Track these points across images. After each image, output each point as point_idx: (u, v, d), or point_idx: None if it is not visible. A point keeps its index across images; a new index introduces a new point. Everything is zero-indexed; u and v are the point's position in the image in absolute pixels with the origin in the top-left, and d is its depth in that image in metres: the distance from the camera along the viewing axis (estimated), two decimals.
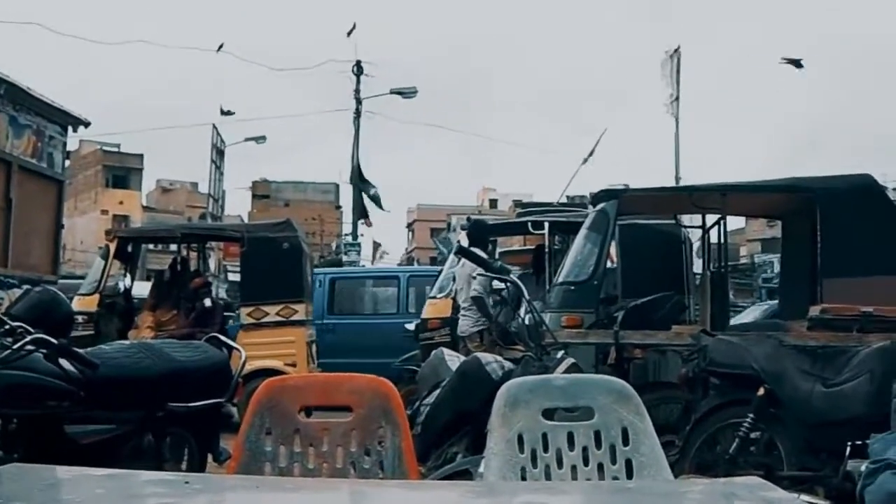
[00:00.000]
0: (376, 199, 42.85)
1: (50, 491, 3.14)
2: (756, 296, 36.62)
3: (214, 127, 42.02)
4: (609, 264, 12.49)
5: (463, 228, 18.40)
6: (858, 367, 7.93)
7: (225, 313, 16.94)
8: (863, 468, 5.04)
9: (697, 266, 14.88)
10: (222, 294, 32.32)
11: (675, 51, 35.61)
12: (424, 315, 16.95)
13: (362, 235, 49.52)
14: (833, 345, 9.23)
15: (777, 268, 21.16)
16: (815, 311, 10.33)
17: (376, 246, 62.25)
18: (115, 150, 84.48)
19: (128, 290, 16.89)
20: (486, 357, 7.86)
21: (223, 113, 43.85)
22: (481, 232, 16.13)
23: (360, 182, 42.43)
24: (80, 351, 6.79)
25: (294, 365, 15.11)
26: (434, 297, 17.15)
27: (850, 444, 7.07)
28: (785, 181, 12.17)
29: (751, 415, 8.29)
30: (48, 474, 3.37)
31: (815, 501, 6.50)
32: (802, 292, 11.75)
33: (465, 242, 15.39)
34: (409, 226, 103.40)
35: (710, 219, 13.35)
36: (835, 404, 7.86)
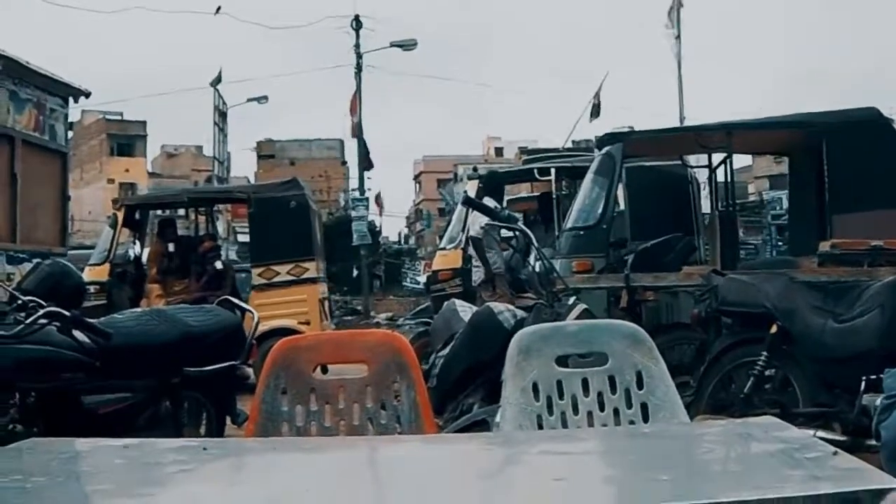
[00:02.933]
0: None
1: (69, 463, 3.15)
2: (766, 233, 36.53)
3: (216, 89, 42.01)
4: (617, 208, 12.47)
5: (470, 178, 18.42)
6: (870, 302, 7.90)
7: (237, 274, 16.97)
8: (878, 403, 5.04)
9: (706, 206, 14.85)
10: (233, 256, 32.35)
11: None
12: (435, 266, 16.96)
13: (369, 189, 49.53)
14: (844, 280, 9.23)
15: (786, 204, 21.11)
16: (824, 246, 10.32)
17: (377, 198, 62.13)
18: (118, 118, 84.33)
19: (138, 258, 16.92)
20: (498, 306, 7.87)
21: (213, 83, 43.61)
22: (493, 182, 16.11)
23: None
24: (93, 321, 6.81)
25: (307, 323, 15.15)
26: (444, 249, 17.15)
27: (864, 378, 7.06)
28: (790, 117, 12.12)
29: (764, 353, 8.29)
30: (67, 447, 3.38)
31: (831, 437, 6.51)
32: (812, 228, 11.74)
33: (471, 192, 15.37)
34: (416, 178, 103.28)
35: (717, 158, 13.30)
36: (848, 339, 7.84)
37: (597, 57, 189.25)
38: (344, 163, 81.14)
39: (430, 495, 2.62)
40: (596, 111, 33.11)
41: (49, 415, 6.52)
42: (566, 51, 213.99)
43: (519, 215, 15.67)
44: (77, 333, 6.62)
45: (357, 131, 42.74)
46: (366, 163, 43.73)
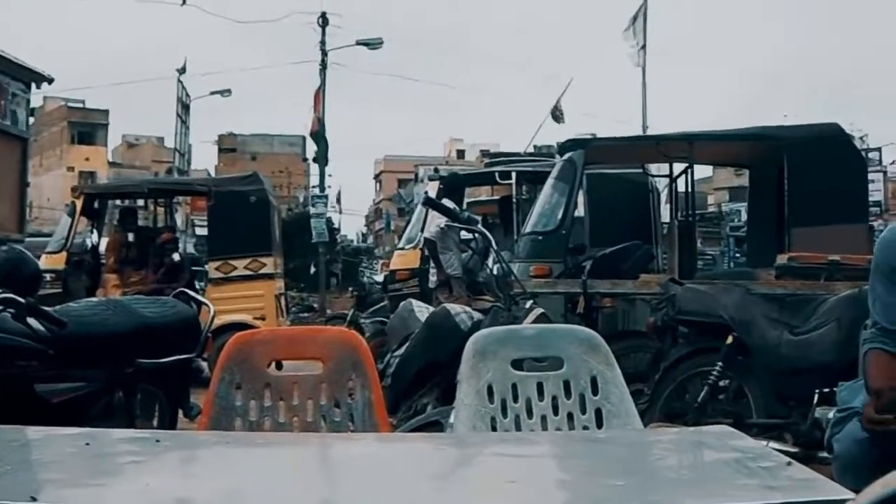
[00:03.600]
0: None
1: (21, 451, 3.13)
2: (724, 244, 36.77)
3: (179, 81, 41.82)
4: (576, 213, 12.50)
5: (431, 179, 18.40)
6: (826, 315, 7.94)
7: (193, 268, 16.91)
8: (830, 416, 5.06)
9: (665, 215, 14.91)
10: (190, 249, 32.25)
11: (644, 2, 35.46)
12: (393, 266, 16.99)
13: (329, 187, 49.47)
14: (801, 293, 9.27)
15: (745, 216, 21.24)
16: (782, 259, 10.38)
17: (336, 196, 62.12)
18: (80, 105, 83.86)
19: (95, 247, 16.85)
20: (454, 308, 7.88)
21: (179, 71, 43.49)
22: (453, 183, 16.12)
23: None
24: (49, 309, 6.75)
25: (263, 318, 15.12)
26: (402, 248, 17.16)
27: (818, 391, 7.11)
28: (752, 130, 12.19)
29: (719, 363, 8.31)
30: (18, 435, 3.35)
31: (783, 448, 6.54)
32: (770, 241, 11.81)
33: (432, 193, 15.38)
34: (377, 177, 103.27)
35: (678, 168, 13.36)
36: (803, 352, 7.88)
37: (561, 61, 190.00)
38: (305, 159, 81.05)
39: (383, 493, 2.62)
40: (559, 117, 33.16)
41: (1, 402, 6.47)
42: (532, 55, 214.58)
43: (479, 218, 15.70)
44: (32, 321, 6.56)
45: (319, 128, 42.68)
46: (325, 160, 43.68)
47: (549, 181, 11.97)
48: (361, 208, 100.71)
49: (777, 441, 7.36)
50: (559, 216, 11.44)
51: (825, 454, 5.83)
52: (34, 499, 2.35)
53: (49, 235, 18.52)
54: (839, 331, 7.66)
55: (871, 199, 11.75)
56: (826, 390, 6.78)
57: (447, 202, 12.30)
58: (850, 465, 4.29)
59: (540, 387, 4.25)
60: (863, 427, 4.21)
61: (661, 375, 8.64)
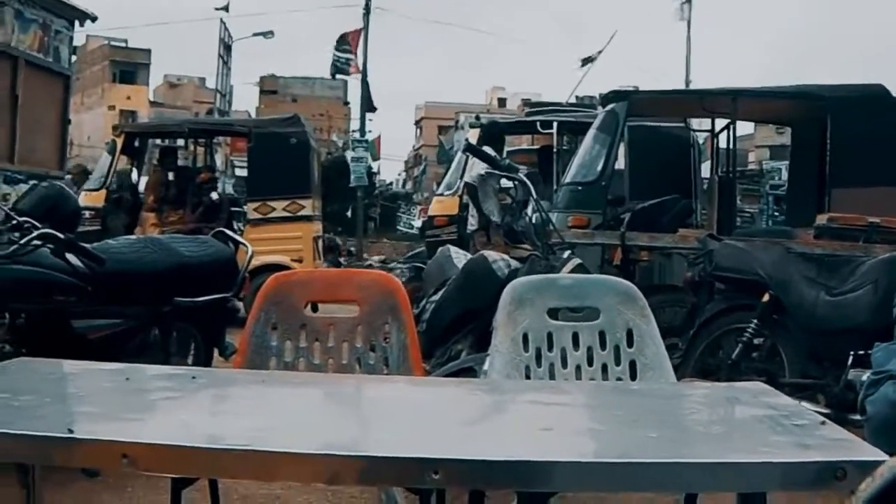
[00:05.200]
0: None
1: (58, 384, 3.16)
2: (763, 202, 36.54)
3: (222, 21, 41.90)
4: (617, 165, 12.45)
5: (472, 126, 18.34)
6: (863, 277, 7.89)
7: (232, 208, 16.95)
8: (864, 378, 5.04)
9: (706, 170, 14.84)
10: (230, 189, 32.30)
11: None
12: (431, 212, 16.96)
13: (370, 132, 49.47)
14: (839, 254, 9.20)
15: (785, 175, 21.10)
16: (822, 219, 10.29)
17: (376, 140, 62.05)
18: (123, 45, 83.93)
19: (135, 186, 16.90)
20: (492, 255, 7.85)
21: (222, 10, 43.58)
22: (494, 131, 16.07)
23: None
24: (87, 246, 6.79)
25: (300, 260, 15.16)
26: (441, 195, 17.14)
27: (852, 353, 7.07)
28: (796, 88, 12.09)
29: (755, 321, 8.28)
30: (56, 368, 3.39)
31: (816, 409, 6.52)
32: (810, 200, 11.72)
33: (473, 140, 15.33)
34: (417, 123, 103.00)
35: (720, 123, 13.26)
36: (839, 313, 7.83)
37: (606, 14, 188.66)
38: (346, 103, 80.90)
39: (415, 436, 2.63)
40: (590, 60, 33.15)
41: (39, 337, 6.52)
42: (577, 7, 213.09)
43: (524, 167, 15.67)
44: (70, 257, 6.60)
45: (362, 73, 42.67)
46: (368, 104, 43.68)
47: (591, 132, 11.92)
48: (402, 154, 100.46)
49: (809, 402, 7.34)
50: (599, 167, 11.39)
51: (857, 416, 5.83)
52: (71, 431, 2.37)
53: (89, 173, 18.57)
54: (876, 293, 7.61)
55: None
56: (860, 353, 6.76)
57: (487, 149, 12.29)
58: (884, 427, 4.29)
59: (575, 337, 4.24)
60: None
61: (695, 331, 8.61)
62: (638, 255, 10.64)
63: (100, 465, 2.60)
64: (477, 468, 2.34)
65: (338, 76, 50.09)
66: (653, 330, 4.24)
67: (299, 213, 15.55)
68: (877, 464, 2.12)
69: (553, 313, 4.31)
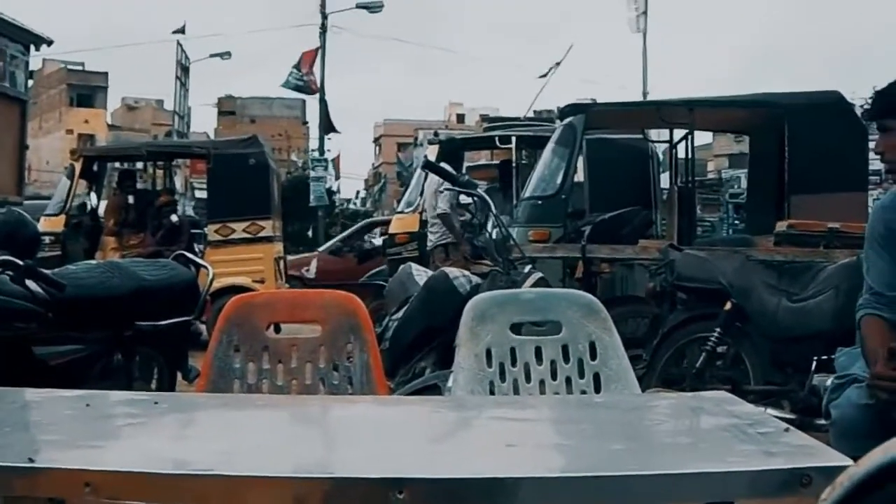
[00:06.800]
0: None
1: (19, 412, 3.14)
2: (723, 211, 36.76)
3: (179, 43, 41.72)
4: (576, 178, 12.48)
5: (430, 143, 18.35)
6: (824, 283, 7.93)
7: (192, 230, 16.90)
8: (828, 383, 5.06)
9: (665, 181, 14.90)
10: (190, 211, 32.23)
11: None
12: (392, 230, 16.94)
13: (329, 151, 49.40)
14: (800, 260, 9.25)
15: (744, 183, 21.20)
16: (781, 226, 10.35)
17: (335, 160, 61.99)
18: (80, 68, 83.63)
19: (94, 210, 16.83)
20: (453, 271, 7.85)
21: (176, 31, 43.52)
22: (453, 147, 16.09)
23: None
24: (47, 272, 6.74)
25: (262, 281, 15.11)
26: (401, 212, 17.14)
27: (815, 358, 7.10)
28: (753, 96, 12.18)
29: (717, 329, 8.30)
30: (17, 396, 3.36)
31: (781, 415, 6.54)
32: (769, 208, 11.79)
33: (431, 157, 15.34)
34: (376, 141, 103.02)
35: (678, 134, 13.34)
36: (801, 319, 7.87)
37: (561, 28, 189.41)
38: (305, 122, 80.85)
39: (380, 455, 2.62)
40: (547, 74, 33.20)
41: None
42: (532, 21, 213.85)
43: (483, 183, 15.69)
44: (30, 283, 6.55)
45: (319, 91, 42.66)
46: (328, 126, 43.65)
47: (549, 146, 11.97)
48: (361, 172, 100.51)
49: (774, 408, 7.36)
50: (559, 181, 11.44)
51: (822, 421, 5.86)
52: (32, 460, 2.35)
53: (48, 198, 18.49)
54: (837, 298, 7.65)
55: (871, 167, 11.70)
56: (824, 358, 6.78)
57: (446, 166, 12.29)
58: (848, 432, 4.29)
59: (538, 351, 4.24)
60: (868, 390, 4.21)
61: (659, 341, 8.63)
62: (599, 268, 10.67)
63: (62, 495, 2.57)
64: (442, 486, 2.34)
65: (297, 95, 50.06)
66: (616, 342, 4.25)
67: (260, 234, 15.51)
68: (841, 469, 2.13)
69: (516, 328, 4.32)
